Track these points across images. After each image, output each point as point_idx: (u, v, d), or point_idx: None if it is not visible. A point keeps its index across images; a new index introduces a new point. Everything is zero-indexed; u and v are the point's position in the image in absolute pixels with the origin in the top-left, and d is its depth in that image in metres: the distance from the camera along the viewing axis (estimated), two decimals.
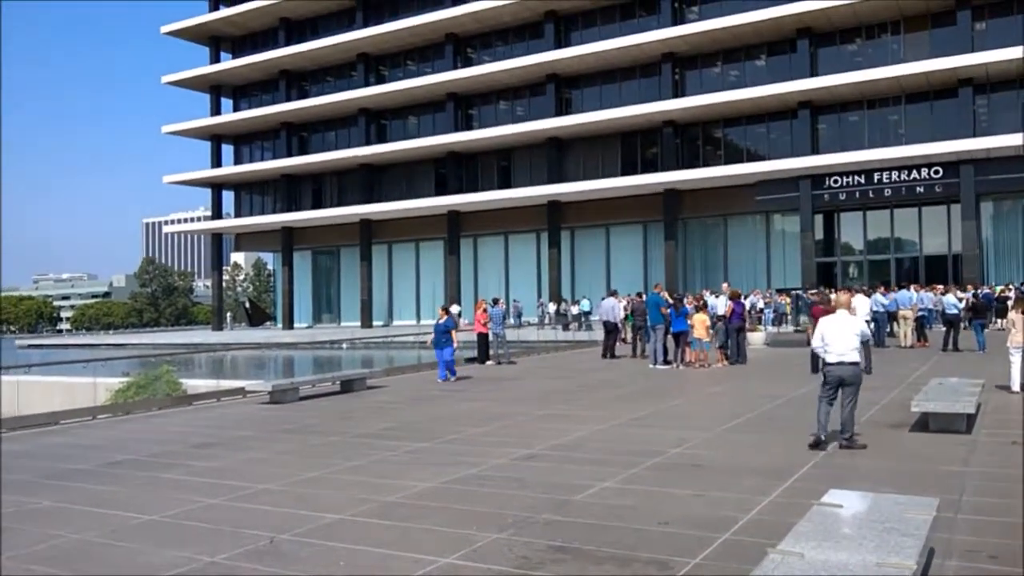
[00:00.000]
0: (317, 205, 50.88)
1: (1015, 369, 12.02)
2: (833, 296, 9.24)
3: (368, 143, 47.83)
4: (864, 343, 14.95)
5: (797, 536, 4.06)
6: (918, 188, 34.04)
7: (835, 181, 35.52)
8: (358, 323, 48.11)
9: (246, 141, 54.10)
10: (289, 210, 50.97)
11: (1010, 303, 18.41)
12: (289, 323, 50.33)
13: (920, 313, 21.73)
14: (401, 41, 46.65)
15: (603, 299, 22.64)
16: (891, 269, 35.84)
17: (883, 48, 36.14)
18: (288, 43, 50.13)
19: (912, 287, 23.95)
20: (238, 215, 54.64)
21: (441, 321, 16.39)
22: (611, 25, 41.78)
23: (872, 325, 17.82)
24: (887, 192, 34.65)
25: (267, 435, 10.32)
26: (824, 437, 8.13)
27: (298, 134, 51.58)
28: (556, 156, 42.86)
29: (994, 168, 32.50)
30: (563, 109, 42.97)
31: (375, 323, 48.05)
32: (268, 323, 62.40)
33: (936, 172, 33.52)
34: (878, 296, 21.52)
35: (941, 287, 25.87)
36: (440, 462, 8.10)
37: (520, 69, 42.07)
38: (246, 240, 55.21)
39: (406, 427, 10.54)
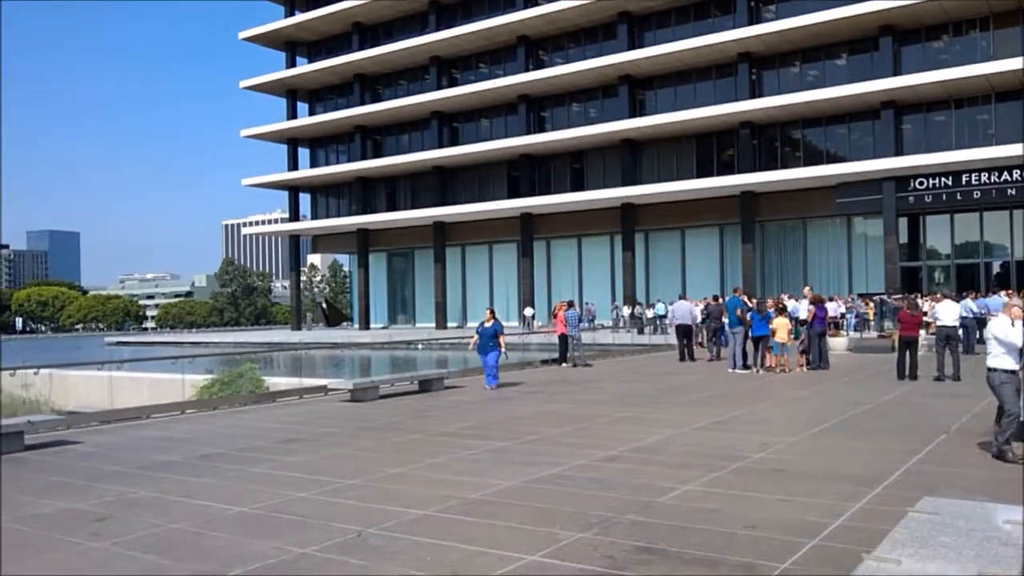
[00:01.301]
0: (391, 207, 51.78)
1: None
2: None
3: (441, 146, 48.45)
4: (952, 345, 14.57)
5: (893, 543, 3.99)
6: (1009, 190, 32.57)
7: (920, 183, 34.28)
8: (433, 324, 48.72)
9: (321, 144, 55.47)
10: (364, 212, 51.99)
11: None
12: (365, 324, 51.33)
13: None
14: (473, 44, 47.11)
15: (674, 302, 22.46)
16: (980, 274, 34.37)
17: (971, 45, 34.72)
18: (361, 47, 51.19)
19: (1003, 293, 22.95)
20: (315, 217, 56.04)
21: (488, 324, 15.48)
22: (685, 25, 41.31)
23: (961, 331, 17.17)
24: (976, 194, 33.26)
25: (350, 432, 10.58)
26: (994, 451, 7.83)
27: (372, 137, 52.60)
28: (630, 158, 42.59)
29: None
30: (637, 110, 42.66)
31: (450, 324, 48.56)
32: (345, 323, 63.75)
33: None
34: (968, 302, 20.72)
35: None
36: (521, 461, 8.18)
37: (592, 70, 41.98)
38: (323, 242, 56.57)
39: (485, 426, 10.66)
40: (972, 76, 32.61)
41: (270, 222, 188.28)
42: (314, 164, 55.67)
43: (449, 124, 49.49)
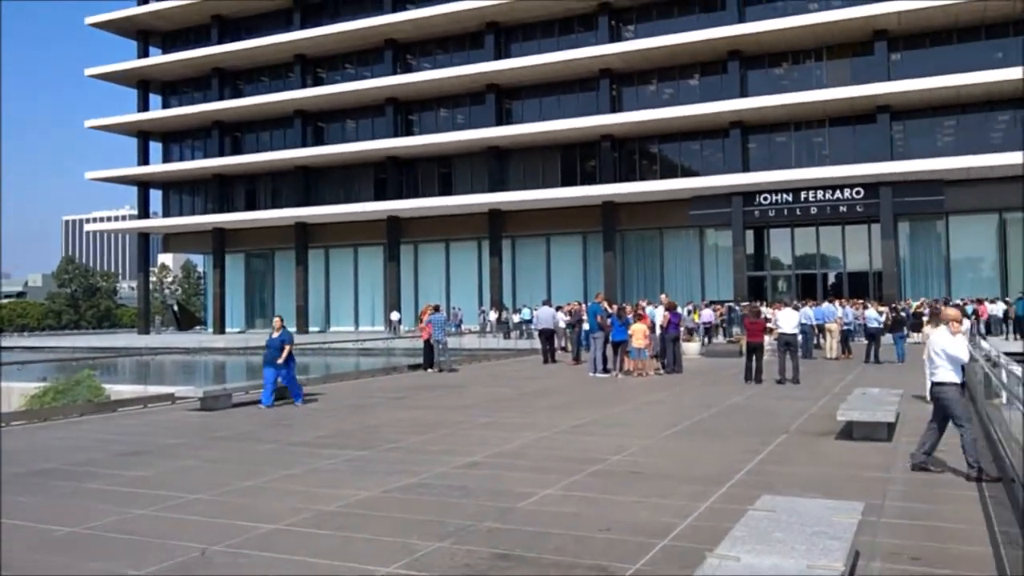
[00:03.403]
0: (251, 207, 49.90)
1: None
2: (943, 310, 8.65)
3: (304, 145, 47.22)
4: (791, 351, 15.60)
5: (733, 541, 4.19)
6: (841, 207, 35.35)
7: (765, 198, 36.61)
8: (294, 328, 47.19)
9: (176, 139, 52.74)
10: (221, 211, 49.85)
11: (925, 318, 19.27)
12: (220, 328, 49.12)
13: (844, 327, 22.56)
14: (340, 44, 46.27)
15: (538, 308, 22.93)
16: (817, 284, 37.08)
17: (808, 73, 37.52)
18: (221, 41, 49.16)
19: (837, 301, 24.84)
20: (166, 215, 53.15)
21: (276, 335, 13.55)
22: (550, 39, 42.29)
23: (801, 337, 18.41)
24: (813, 210, 35.89)
25: (198, 443, 10.07)
26: (921, 462, 7.66)
27: (231, 134, 50.56)
28: (497, 165, 43.06)
29: (910, 191, 34.04)
30: (503, 119, 43.21)
31: (311, 329, 47.34)
32: (198, 327, 60.78)
33: (858, 193, 34.90)
34: (807, 310, 22.25)
35: (863, 302, 26.93)
36: (380, 470, 8.04)
37: (460, 78, 42.19)
38: (175, 241, 53.69)
39: (345, 435, 10.42)
40: (809, 101, 35.22)
41: (117, 219, 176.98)
42: (167, 159, 52.83)
43: (314, 123, 48.31)
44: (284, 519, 6.23)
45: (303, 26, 47.13)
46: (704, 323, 30.07)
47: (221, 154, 49.61)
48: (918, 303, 30.82)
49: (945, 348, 7.52)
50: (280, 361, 13.28)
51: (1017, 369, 8.49)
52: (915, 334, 23.51)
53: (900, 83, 33.78)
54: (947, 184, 33.70)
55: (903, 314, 23.30)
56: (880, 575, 4.86)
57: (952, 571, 4.92)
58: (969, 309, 26.51)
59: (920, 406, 12.08)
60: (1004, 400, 7.96)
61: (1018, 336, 27.93)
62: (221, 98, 49.41)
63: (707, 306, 31.99)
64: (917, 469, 7.62)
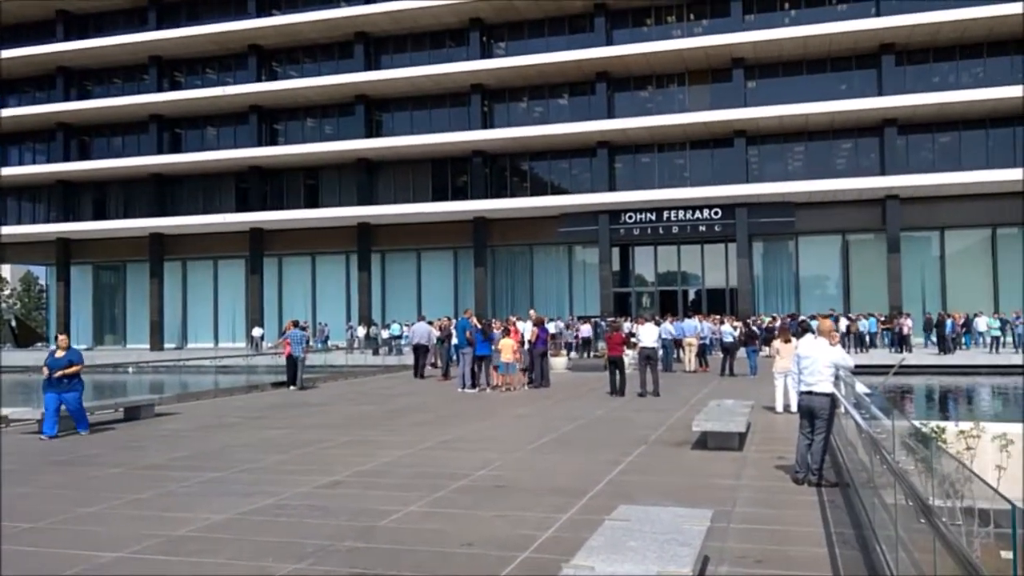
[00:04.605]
0: (100, 216, 46.83)
1: (778, 392, 13.43)
2: (815, 323, 8.74)
3: (160, 152, 44.87)
4: (652, 364, 16.20)
5: (589, 551, 4.29)
6: (701, 227, 37.15)
7: (630, 217, 37.95)
8: (147, 345, 44.71)
9: (14, 141, 48.80)
10: (66, 219, 46.53)
11: (776, 332, 20.52)
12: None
13: (702, 341, 23.67)
14: (200, 47, 44.38)
15: (412, 324, 22.81)
16: (678, 300, 38.74)
17: (671, 97, 39.31)
18: (68, 38, 46.11)
19: (696, 317, 26.04)
20: (3, 223, 49.07)
21: (61, 354, 11.95)
22: (421, 52, 42.25)
23: (661, 351, 19.15)
24: (675, 229, 37.52)
25: (34, 468, 9.32)
26: (804, 474, 7.74)
27: (78, 137, 47.41)
28: (366, 177, 42.47)
29: (763, 212, 36.21)
30: (373, 131, 42.73)
31: (167, 345, 44.87)
32: (39, 344, 56.34)
33: (716, 213, 36.79)
34: (667, 324, 23.20)
35: (719, 317, 28.37)
36: (236, 492, 7.70)
37: (329, 87, 41.37)
38: (13, 251, 49.59)
39: (199, 456, 9.93)
40: (672, 124, 36.87)
41: None
42: (5, 163, 48.83)
43: (171, 129, 46.03)
44: (129, 546, 5.85)
45: (159, 26, 44.93)
46: (584, 337, 31.40)
47: (66, 159, 46.36)
48: (770, 318, 32.76)
49: (833, 358, 7.70)
50: (66, 382, 11.75)
51: (853, 380, 9.14)
52: (767, 348, 24.96)
53: (755, 110, 35.92)
54: (797, 206, 36.07)
55: (755, 328, 24.69)
56: None
57: (791, 572, 5.23)
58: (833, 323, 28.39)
59: (770, 417, 12.84)
60: (842, 409, 8.61)
61: (859, 350, 30.14)
62: (67, 99, 46.27)
63: (584, 322, 33.04)
64: (811, 484, 7.63)
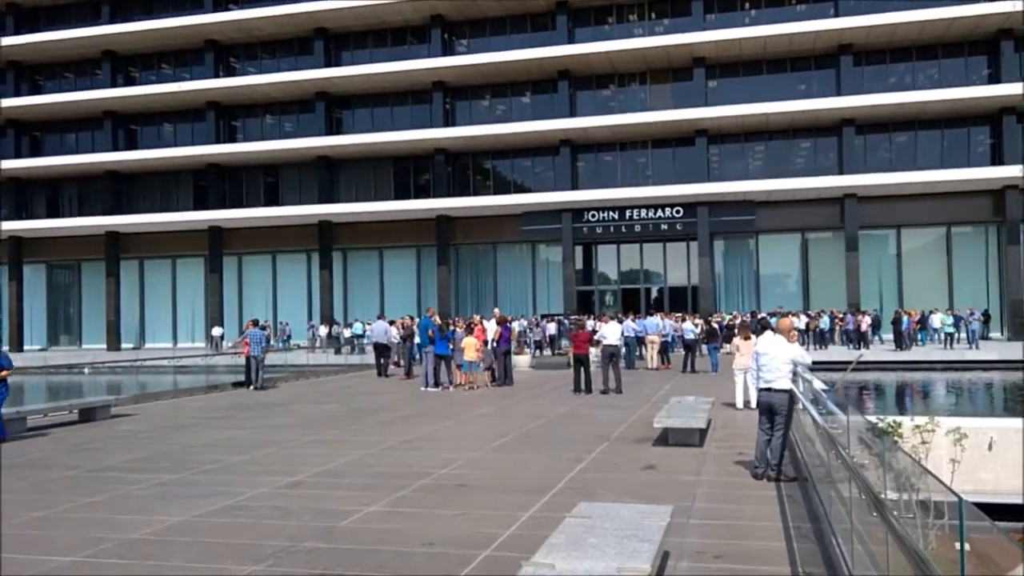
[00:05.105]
0: (53, 214, 45.74)
1: (739, 388, 13.59)
2: (774, 320, 8.98)
3: (116, 149, 43.96)
4: (614, 362, 16.30)
5: (549, 548, 4.29)
6: (663, 225, 37.45)
7: (593, 215, 38.12)
8: (103, 345, 43.79)
9: None
10: (18, 218, 45.35)
11: (736, 330, 20.77)
12: (18, 345, 44.52)
13: (664, 338, 23.86)
14: (155, 42, 43.52)
15: (371, 323, 22.68)
16: (641, 298, 39.01)
17: (633, 96, 39.55)
18: (18, 31, 44.97)
19: (658, 315, 26.24)
20: None
21: None
22: (382, 49, 41.93)
23: (623, 349, 19.26)
24: (637, 228, 37.78)
25: None
26: (763, 470, 7.85)
27: (30, 133, 46.24)
28: (327, 175, 42.07)
29: (724, 211, 36.63)
30: (334, 128, 42.34)
31: (124, 346, 43.98)
32: None
33: (678, 212, 37.12)
34: (629, 322, 23.34)
35: (681, 315, 28.62)
36: (193, 494, 7.58)
37: (288, 83, 40.87)
38: None
39: (156, 458, 9.74)
40: (632, 123, 37.09)
41: None
42: None
43: (126, 126, 45.12)
44: (81, 551, 5.72)
45: (113, 20, 44.01)
46: (549, 335, 31.70)
47: (18, 155, 45.21)
48: (731, 316, 33.13)
49: (792, 355, 7.82)
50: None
51: (811, 377, 9.28)
52: (728, 345, 25.25)
53: (715, 109, 36.29)
54: (757, 205, 36.55)
55: (715, 326, 24.96)
56: (686, 575, 5.14)
57: (750, 566, 5.29)
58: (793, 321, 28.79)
59: (730, 413, 12.99)
60: (800, 406, 8.75)
61: (818, 347, 30.63)
62: (17, 94, 45.11)
63: (549, 320, 33.16)
64: (770, 479, 7.77)
